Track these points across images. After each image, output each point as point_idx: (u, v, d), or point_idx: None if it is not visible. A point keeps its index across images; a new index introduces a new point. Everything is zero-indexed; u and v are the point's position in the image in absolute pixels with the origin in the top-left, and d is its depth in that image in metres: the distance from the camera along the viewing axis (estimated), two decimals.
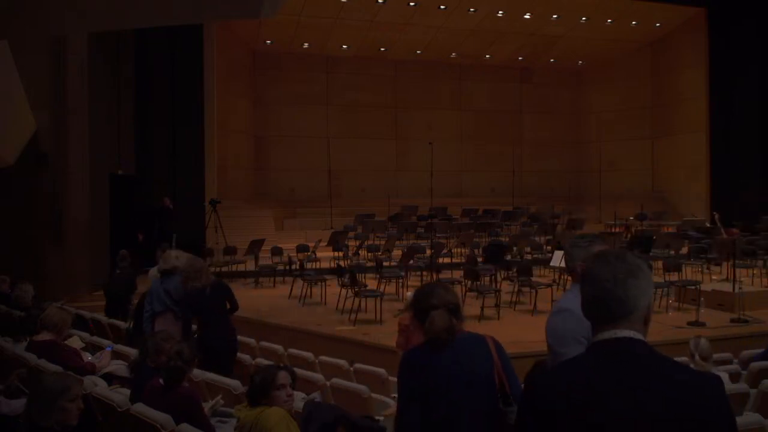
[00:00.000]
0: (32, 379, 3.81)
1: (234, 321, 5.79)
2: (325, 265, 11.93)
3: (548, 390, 1.46)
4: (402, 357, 2.50)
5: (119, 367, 4.70)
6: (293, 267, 11.74)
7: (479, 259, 10.84)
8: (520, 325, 8.11)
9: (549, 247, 12.53)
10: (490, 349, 2.40)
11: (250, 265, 12.37)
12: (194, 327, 5.63)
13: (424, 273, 11.53)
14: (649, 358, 1.42)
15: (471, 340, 2.42)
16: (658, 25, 17.46)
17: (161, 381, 3.61)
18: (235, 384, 4.42)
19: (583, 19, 16.66)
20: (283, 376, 3.11)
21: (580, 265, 2.53)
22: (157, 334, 4.25)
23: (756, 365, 4.99)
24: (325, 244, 12.40)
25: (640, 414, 1.34)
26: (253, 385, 3.09)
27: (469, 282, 9.20)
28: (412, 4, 15.40)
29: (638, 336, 1.45)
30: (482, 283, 9.56)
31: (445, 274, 10.56)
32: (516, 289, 9.51)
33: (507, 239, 13.45)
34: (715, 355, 4.65)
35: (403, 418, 2.38)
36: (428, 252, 11.18)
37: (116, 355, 5.16)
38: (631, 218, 15.81)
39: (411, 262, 10.89)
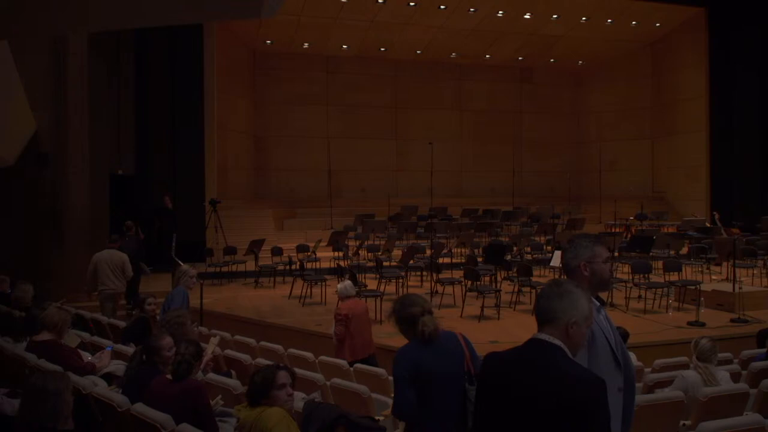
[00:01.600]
0: (26, 379, 3.81)
1: (234, 321, 5.80)
2: (325, 265, 11.93)
3: (486, 366, 2.12)
4: (399, 353, 3.02)
5: (119, 367, 4.69)
6: (293, 267, 11.74)
7: (479, 259, 10.85)
8: (520, 325, 8.11)
9: (549, 247, 12.54)
10: (461, 342, 3.02)
11: (250, 265, 12.38)
12: None
13: (424, 273, 11.54)
14: (548, 357, 1.96)
15: (447, 336, 3.02)
16: (658, 25, 17.46)
17: (168, 376, 3.61)
18: (235, 384, 4.42)
19: (583, 19, 16.66)
20: (283, 376, 3.11)
21: (581, 264, 2.55)
22: (157, 336, 4.21)
23: (756, 365, 4.99)
24: (325, 244, 12.40)
25: (524, 392, 1.93)
26: (254, 385, 3.09)
27: (469, 282, 9.20)
28: (412, 4, 15.40)
29: (552, 340, 1.99)
30: (482, 283, 9.57)
31: (445, 274, 10.56)
32: (516, 289, 9.51)
33: (507, 239, 13.46)
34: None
35: (404, 400, 2.89)
36: (428, 252, 11.18)
37: (116, 355, 5.16)
38: (631, 218, 15.82)
39: (411, 262, 10.89)
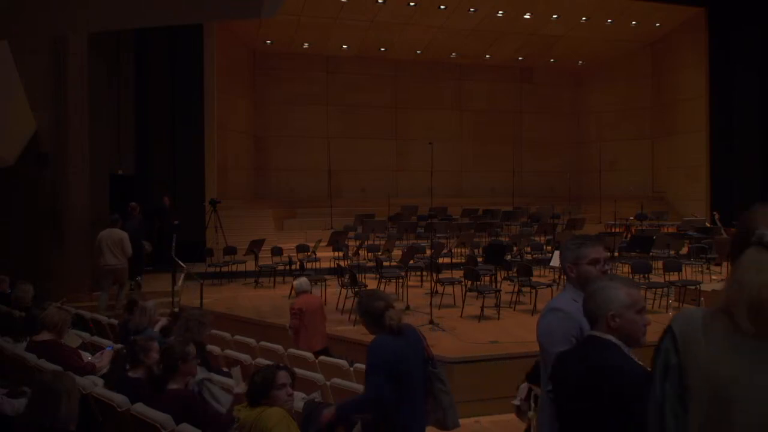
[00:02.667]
0: (32, 379, 3.81)
1: (234, 321, 5.81)
2: (325, 265, 11.93)
3: (556, 362, 2.25)
4: (375, 344, 3.23)
5: None
6: (293, 267, 11.74)
7: (479, 259, 10.84)
8: (520, 325, 8.10)
9: (549, 247, 12.53)
10: (419, 333, 3.36)
11: (250, 265, 12.37)
12: None
13: (424, 273, 11.54)
14: (597, 350, 2.07)
15: (408, 327, 3.32)
16: (658, 25, 17.45)
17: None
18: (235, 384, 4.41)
19: (583, 19, 16.66)
20: (283, 376, 3.11)
21: (567, 266, 2.65)
22: (136, 342, 4.13)
23: None
24: (325, 244, 12.40)
25: (578, 384, 2.07)
26: (254, 385, 3.09)
27: (469, 282, 9.20)
28: (412, 4, 15.40)
29: (602, 335, 2.10)
30: (482, 283, 9.56)
31: (445, 274, 10.56)
32: (516, 289, 9.51)
33: (507, 239, 13.45)
34: None
35: (382, 389, 3.10)
36: (428, 252, 11.18)
37: (116, 355, 5.15)
38: (631, 218, 15.81)
39: (411, 262, 10.88)
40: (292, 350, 5.90)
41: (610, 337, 2.09)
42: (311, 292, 7.07)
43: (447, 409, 3.32)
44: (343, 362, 5.40)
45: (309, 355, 5.66)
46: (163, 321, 5.70)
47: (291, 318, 6.65)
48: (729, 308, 1.36)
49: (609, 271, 2.65)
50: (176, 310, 5.87)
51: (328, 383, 4.76)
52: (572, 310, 2.47)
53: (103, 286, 9.34)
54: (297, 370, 4.86)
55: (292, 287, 8.15)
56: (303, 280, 6.94)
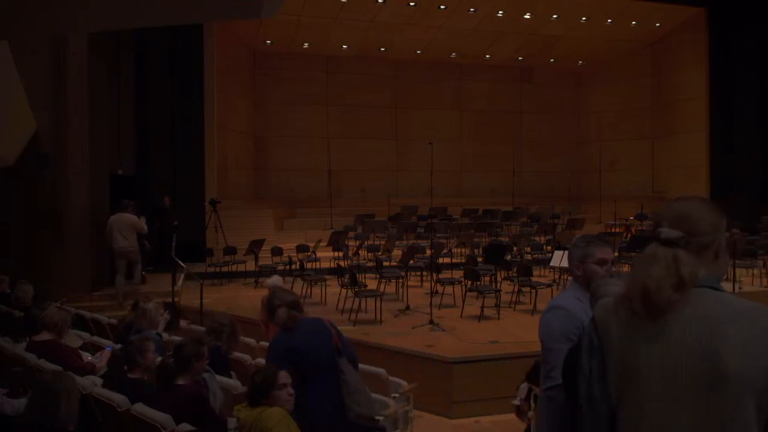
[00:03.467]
0: (32, 379, 3.81)
1: (235, 321, 5.81)
2: (325, 265, 11.93)
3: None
4: (271, 342, 3.52)
5: None
6: (293, 267, 11.74)
7: (479, 259, 10.84)
8: (520, 325, 8.10)
9: (549, 247, 12.54)
10: (327, 326, 3.55)
11: (250, 265, 12.37)
12: None
13: (424, 273, 11.54)
14: None
15: (312, 321, 3.55)
16: (658, 25, 17.45)
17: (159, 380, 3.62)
18: (235, 384, 4.42)
19: (583, 19, 16.66)
20: (283, 376, 3.11)
21: (575, 264, 2.62)
22: (132, 343, 4.14)
23: None
24: (325, 244, 12.39)
25: None
26: (254, 385, 3.09)
27: (469, 282, 9.20)
28: (412, 4, 15.40)
29: None
30: (482, 283, 9.56)
31: (445, 274, 10.56)
32: (516, 289, 9.51)
33: (507, 239, 13.46)
34: None
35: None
36: (428, 252, 11.18)
37: (113, 356, 5.15)
38: (631, 218, 15.81)
39: (411, 262, 10.88)
40: (263, 343, 5.97)
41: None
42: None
43: (346, 396, 3.41)
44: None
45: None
46: (164, 320, 5.70)
47: (261, 312, 6.73)
48: (628, 295, 1.59)
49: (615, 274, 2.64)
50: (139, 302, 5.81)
51: None
52: (575, 308, 2.46)
53: (118, 269, 9.87)
54: None
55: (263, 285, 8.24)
56: (275, 278, 7.15)
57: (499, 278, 9.72)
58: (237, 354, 5.57)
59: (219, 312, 8.10)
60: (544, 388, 2.46)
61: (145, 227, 10.13)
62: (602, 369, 1.64)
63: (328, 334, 3.52)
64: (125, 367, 4.02)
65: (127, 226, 9.84)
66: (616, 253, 11.43)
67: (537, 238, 13.76)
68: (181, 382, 3.65)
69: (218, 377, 4.60)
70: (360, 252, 12.17)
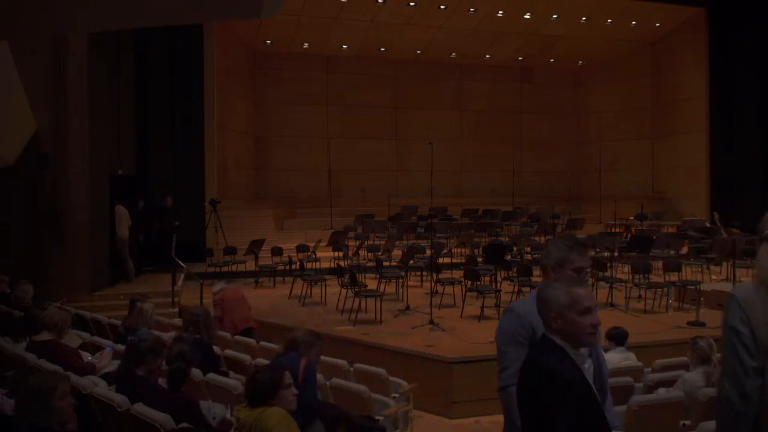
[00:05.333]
0: (21, 379, 3.80)
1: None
2: (325, 265, 11.92)
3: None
4: None
5: None
6: (293, 267, 11.74)
7: (479, 259, 10.84)
8: None
9: None
10: (299, 366, 3.76)
11: (250, 265, 12.37)
12: None
13: (424, 273, 11.53)
14: (540, 349, 2.13)
15: (290, 359, 3.84)
16: (658, 25, 17.45)
17: (162, 383, 3.61)
18: (235, 384, 4.42)
19: (583, 19, 16.66)
20: (288, 376, 3.12)
21: (550, 266, 2.56)
22: (145, 341, 4.14)
23: None
24: (325, 244, 12.39)
25: (522, 380, 2.16)
26: (259, 385, 3.08)
27: (469, 282, 9.20)
28: (412, 4, 15.40)
29: (550, 335, 2.13)
30: (482, 283, 9.56)
31: (445, 274, 10.56)
32: (516, 289, 9.51)
33: (507, 239, 13.45)
34: (717, 355, 4.64)
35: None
36: (428, 252, 11.17)
37: (116, 355, 5.15)
38: (631, 218, 15.81)
39: (411, 262, 10.88)
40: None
41: (555, 338, 2.10)
42: (228, 289, 7.93)
43: None
44: (342, 362, 5.40)
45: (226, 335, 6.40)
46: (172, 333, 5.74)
47: (213, 309, 7.22)
48: (764, 283, 1.96)
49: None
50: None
51: (328, 383, 4.76)
52: (526, 311, 2.42)
53: (121, 253, 11.11)
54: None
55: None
56: (220, 284, 8.02)
57: (499, 278, 9.71)
58: (237, 354, 5.58)
59: (193, 306, 8.18)
60: (498, 387, 2.48)
61: (126, 230, 11.21)
62: (754, 339, 1.90)
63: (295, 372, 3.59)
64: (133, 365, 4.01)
65: (119, 217, 11.14)
66: (616, 253, 11.43)
67: (537, 238, 13.75)
68: (140, 373, 3.74)
69: (218, 377, 4.60)
70: (360, 252, 12.17)
